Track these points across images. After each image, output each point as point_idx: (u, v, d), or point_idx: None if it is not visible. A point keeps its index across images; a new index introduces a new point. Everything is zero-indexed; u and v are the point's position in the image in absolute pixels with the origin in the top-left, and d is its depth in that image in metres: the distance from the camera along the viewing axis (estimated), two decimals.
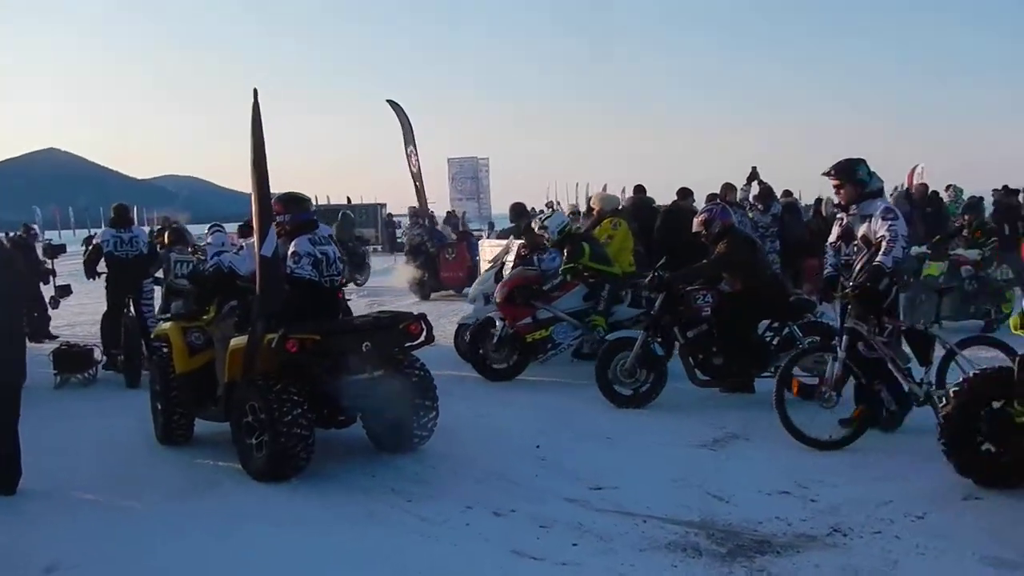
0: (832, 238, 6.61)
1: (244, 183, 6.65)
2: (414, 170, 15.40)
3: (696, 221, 7.83)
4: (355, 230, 19.92)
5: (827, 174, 6.31)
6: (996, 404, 5.04)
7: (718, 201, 10.00)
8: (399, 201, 40.01)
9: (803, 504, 5.06)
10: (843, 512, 4.89)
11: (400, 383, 6.14)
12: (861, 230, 6.18)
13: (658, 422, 7.00)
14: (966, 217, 11.77)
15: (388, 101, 15.28)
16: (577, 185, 24.12)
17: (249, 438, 5.80)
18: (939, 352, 6.36)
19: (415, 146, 15.16)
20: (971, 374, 5.30)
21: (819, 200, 16.56)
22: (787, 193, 14.66)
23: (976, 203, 12.09)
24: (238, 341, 6.01)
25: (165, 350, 6.82)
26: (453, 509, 5.14)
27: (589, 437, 6.59)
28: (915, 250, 11.14)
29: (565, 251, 8.97)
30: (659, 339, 7.59)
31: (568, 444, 6.43)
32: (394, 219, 36.44)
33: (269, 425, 5.62)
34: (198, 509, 5.33)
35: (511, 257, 10.18)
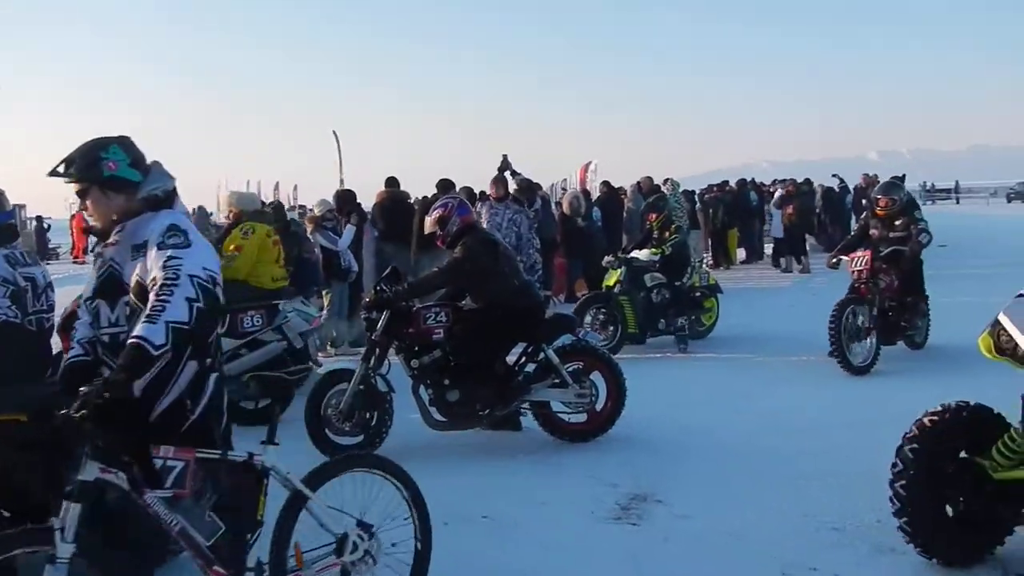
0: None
1: None
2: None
3: (429, 220, 6.29)
4: None
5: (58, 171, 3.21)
6: (963, 454, 3.83)
7: (454, 195, 8.03)
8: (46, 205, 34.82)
9: None
10: None
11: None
12: (133, 274, 3.10)
13: (542, 485, 5.18)
14: (652, 216, 9.90)
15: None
16: (278, 184, 21.45)
17: None
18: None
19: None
20: (926, 417, 3.84)
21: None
22: (537, 187, 13.56)
23: (655, 201, 10.28)
24: None
25: None
26: None
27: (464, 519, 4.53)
28: (607, 259, 9.98)
29: None
30: (384, 372, 5.93)
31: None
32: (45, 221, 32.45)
33: None
34: None
35: None
